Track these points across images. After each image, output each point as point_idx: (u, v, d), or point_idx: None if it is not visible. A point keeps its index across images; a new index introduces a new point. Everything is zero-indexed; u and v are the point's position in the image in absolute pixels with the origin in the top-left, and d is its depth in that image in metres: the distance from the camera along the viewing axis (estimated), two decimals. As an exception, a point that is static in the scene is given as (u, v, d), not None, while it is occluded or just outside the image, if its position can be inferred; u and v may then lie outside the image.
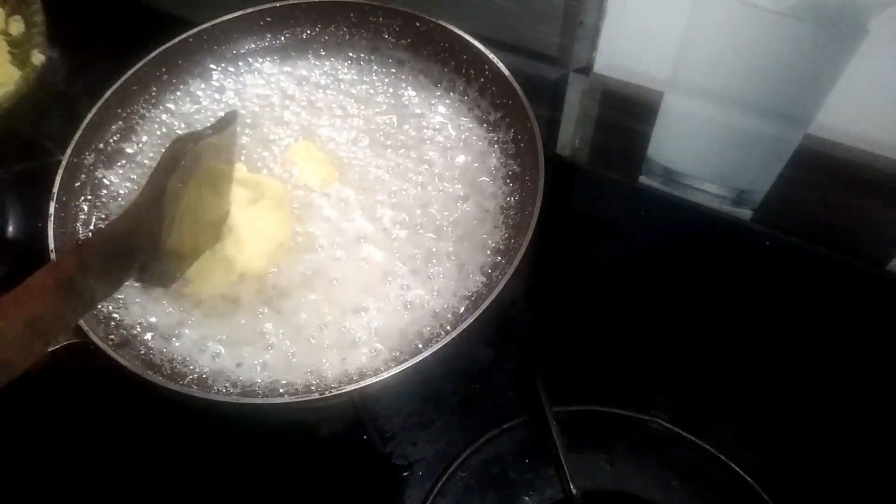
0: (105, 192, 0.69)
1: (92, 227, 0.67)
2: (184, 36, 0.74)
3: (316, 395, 0.55)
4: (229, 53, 0.77)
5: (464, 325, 0.55)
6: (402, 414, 0.67)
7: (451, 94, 0.73)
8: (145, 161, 0.71)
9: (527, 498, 0.63)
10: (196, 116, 0.74)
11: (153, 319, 0.62)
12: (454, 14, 0.72)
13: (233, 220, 0.64)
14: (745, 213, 0.81)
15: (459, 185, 0.68)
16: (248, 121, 0.73)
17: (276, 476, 0.65)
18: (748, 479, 0.62)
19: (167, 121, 0.74)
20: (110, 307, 0.62)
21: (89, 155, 0.69)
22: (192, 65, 0.76)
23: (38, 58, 0.78)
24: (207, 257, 0.63)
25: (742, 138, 0.74)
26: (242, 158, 0.70)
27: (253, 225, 0.64)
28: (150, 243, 0.55)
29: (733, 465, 0.62)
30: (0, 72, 0.78)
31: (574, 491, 0.60)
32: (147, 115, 0.74)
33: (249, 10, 0.75)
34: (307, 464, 0.66)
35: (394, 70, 0.75)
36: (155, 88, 0.74)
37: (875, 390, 0.66)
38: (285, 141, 0.72)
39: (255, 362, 0.60)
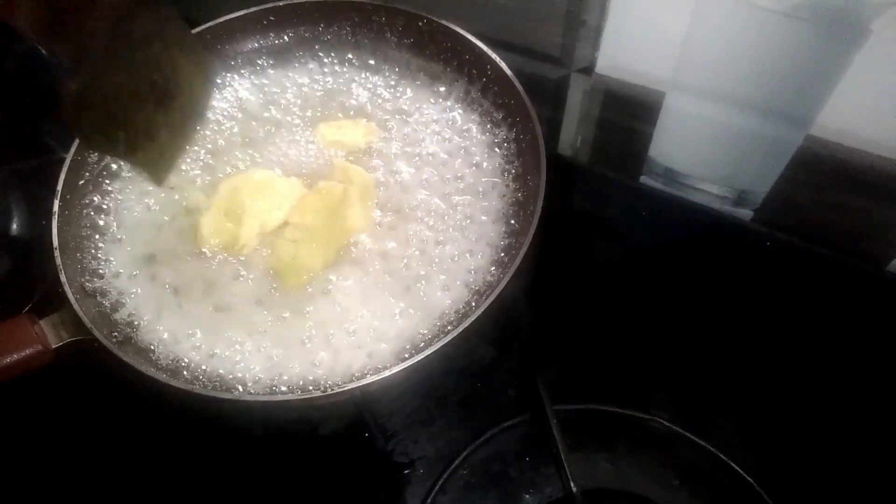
0: (109, 190, 0.69)
1: (95, 226, 0.67)
2: (187, 34, 0.74)
3: (318, 393, 0.55)
4: (232, 52, 0.77)
5: (465, 324, 0.55)
6: (403, 412, 0.67)
7: (454, 93, 0.73)
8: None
9: (527, 496, 0.63)
10: (199, 115, 0.74)
11: (154, 317, 0.62)
12: (457, 14, 0.72)
13: (323, 214, 0.65)
14: (746, 214, 0.81)
15: (461, 185, 0.68)
16: (253, 123, 0.73)
17: (277, 474, 0.65)
18: (748, 478, 0.62)
19: (170, 119, 0.74)
20: (112, 303, 0.62)
21: (93, 153, 0.69)
22: (195, 63, 0.76)
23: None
24: (295, 254, 0.64)
25: (743, 139, 0.74)
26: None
27: (340, 218, 0.65)
28: None
29: (733, 465, 0.62)
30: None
31: (574, 489, 0.60)
32: (150, 113, 0.74)
33: (252, 9, 0.75)
34: (308, 462, 0.66)
35: (396, 69, 0.75)
36: (158, 87, 0.74)
37: (875, 390, 0.67)
38: (294, 137, 0.72)
39: (257, 360, 0.60)
